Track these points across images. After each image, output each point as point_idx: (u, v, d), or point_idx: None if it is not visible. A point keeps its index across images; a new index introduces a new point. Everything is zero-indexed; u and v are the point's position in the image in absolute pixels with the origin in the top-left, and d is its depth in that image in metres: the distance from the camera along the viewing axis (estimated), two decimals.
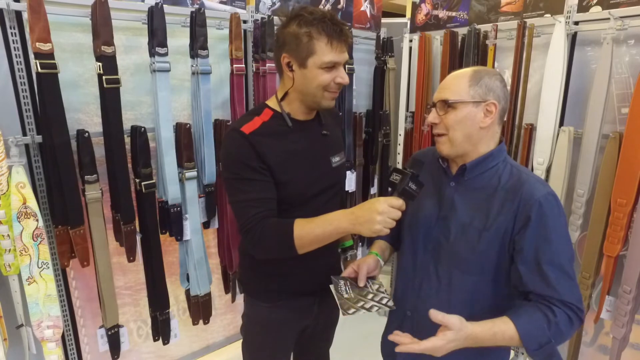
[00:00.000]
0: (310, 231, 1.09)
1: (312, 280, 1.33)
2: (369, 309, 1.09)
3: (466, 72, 1.05)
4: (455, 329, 0.91)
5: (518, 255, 0.99)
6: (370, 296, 1.13)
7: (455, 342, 0.92)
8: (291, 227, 1.09)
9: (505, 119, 1.11)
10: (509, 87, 1.73)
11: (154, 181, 1.75)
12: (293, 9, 1.16)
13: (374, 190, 2.79)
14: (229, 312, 2.39)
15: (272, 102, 1.24)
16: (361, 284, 1.15)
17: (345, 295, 1.13)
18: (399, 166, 2.62)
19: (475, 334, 0.93)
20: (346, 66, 2.26)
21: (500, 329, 0.94)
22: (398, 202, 1.01)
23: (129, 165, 1.70)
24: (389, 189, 1.05)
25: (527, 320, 0.95)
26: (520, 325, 0.93)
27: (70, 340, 1.80)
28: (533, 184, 1.00)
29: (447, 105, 1.04)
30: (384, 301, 1.12)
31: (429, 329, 0.94)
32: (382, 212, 0.99)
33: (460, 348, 0.93)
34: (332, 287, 1.17)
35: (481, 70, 1.05)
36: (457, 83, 1.04)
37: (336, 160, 1.29)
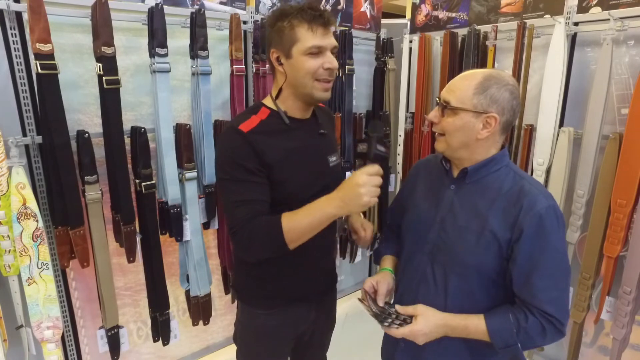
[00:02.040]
0: (299, 223, 1.07)
1: (308, 286, 1.32)
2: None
3: (477, 76, 1.01)
4: (419, 312, 1.05)
5: (513, 263, 1.00)
6: (393, 316, 1.12)
7: (428, 327, 1.03)
8: (279, 222, 1.08)
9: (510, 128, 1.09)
10: None
11: (154, 182, 1.75)
12: (276, 8, 1.17)
13: None
14: (228, 312, 2.39)
15: (267, 101, 1.23)
16: (380, 303, 1.15)
17: (374, 310, 1.14)
18: (399, 167, 2.63)
19: (446, 322, 1.04)
20: (348, 66, 2.29)
21: (473, 323, 1.02)
22: (374, 168, 1.02)
23: (129, 166, 1.70)
24: (362, 162, 1.06)
25: (499, 320, 1.01)
26: (490, 324, 1.01)
27: (70, 341, 1.80)
28: (535, 195, 0.99)
29: (448, 108, 1.03)
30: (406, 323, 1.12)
31: None
32: (363, 184, 1.00)
33: (439, 336, 1.04)
34: (360, 299, 1.19)
35: (492, 77, 1.00)
36: (463, 87, 1.01)
37: (333, 159, 1.29)
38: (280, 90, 1.20)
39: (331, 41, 1.13)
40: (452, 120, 1.02)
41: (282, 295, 1.29)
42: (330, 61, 1.12)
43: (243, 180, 1.11)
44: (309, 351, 1.50)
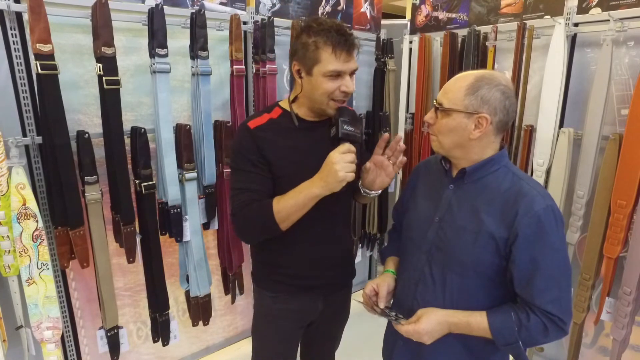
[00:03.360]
0: (286, 203, 1.17)
1: (314, 276, 1.35)
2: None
3: (468, 77, 1.03)
4: (421, 313, 1.06)
5: (513, 264, 1.01)
6: (394, 318, 1.14)
7: (431, 325, 1.04)
8: (270, 204, 1.19)
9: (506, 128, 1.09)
10: None
11: (153, 182, 1.75)
12: (305, 20, 1.22)
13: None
14: (228, 313, 2.39)
15: (284, 103, 1.31)
16: (382, 305, 1.18)
17: (376, 312, 1.18)
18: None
19: (448, 319, 1.04)
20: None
21: (475, 320, 1.03)
22: (344, 146, 1.11)
23: (129, 167, 1.70)
24: (336, 143, 1.15)
25: (501, 318, 1.02)
26: (492, 322, 1.02)
27: (70, 342, 1.80)
28: (534, 196, 0.99)
29: (441, 110, 1.05)
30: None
31: None
32: (336, 161, 1.09)
33: (443, 333, 1.05)
34: (361, 302, 1.22)
35: (484, 78, 1.02)
36: (455, 89, 1.03)
37: None
38: (297, 97, 1.27)
39: (351, 66, 1.18)
40: (446, 122, 1.04)
41: (287, 282, 1.35)
42: (347, 85, 1.19)
43: (245, 171, 1.24)
44: (316, 342, 1.55)
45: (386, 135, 1.24)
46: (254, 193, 1.22)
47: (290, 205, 1.17)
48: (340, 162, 1.09)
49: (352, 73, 1.20)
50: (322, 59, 1.16)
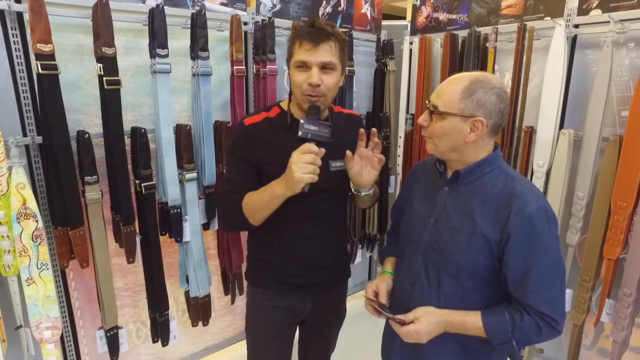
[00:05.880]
0: (253, 199, 1.22)
1: (303, 275, 1.36)
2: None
3: (463, 80, 1.02)
4: (419, 313, 1.05)
5: (506, 265, 1.01)
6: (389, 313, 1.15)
7: (430, 325, 1.04)
8: (241, 198, 1.23)
9: (500, 128, 1.09)
10: (508, 90, 1.73)
11: (153, 182, 1.75)
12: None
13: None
14: (228, 313, 2.39)
15: (284, 103, 1.34)
16: (383, 300, 1.19)
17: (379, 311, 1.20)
18: (399, 169, 2.63)
19: (445, 318, 1.05)
20: (348, 67, 2.28)
21: (470, 320, 1.04)
22: (305, 146, 1.11)
23: (129, 167, 1.70)
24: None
25: (495, 318, 1.03)
26: (486, 322, 1.02)
27: (69, 342, 1.80)
28: (526, 197, 0.99)
29: (436, 113, 1.04)
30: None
31: None
32: (294, 161, 1.09)
33: (439, 332, 1.06)
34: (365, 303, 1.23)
35: (479, 81, 1.01)
36: (450, 92, 1.02)
37: (337, 165, 1.30)
38: (292, 96, 1.30)
39: (318, 58, 1.17)
40: (441, 125, 1.04)
41: (278, 280, 1.37)
42: (311, 77, 1.17)
43: (233, 165, 1.31)
44: (310, 342, 1.56)
45: (362, 130, 1.22)
46: (234, 185, 1.27)
47: (256, 202, 1.20)
48: (298, 163, 1.08)
49: (324, 67, 1.18)
50: (293, 51, 1.20)
